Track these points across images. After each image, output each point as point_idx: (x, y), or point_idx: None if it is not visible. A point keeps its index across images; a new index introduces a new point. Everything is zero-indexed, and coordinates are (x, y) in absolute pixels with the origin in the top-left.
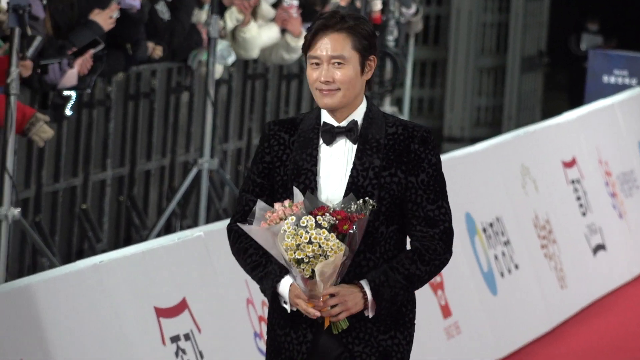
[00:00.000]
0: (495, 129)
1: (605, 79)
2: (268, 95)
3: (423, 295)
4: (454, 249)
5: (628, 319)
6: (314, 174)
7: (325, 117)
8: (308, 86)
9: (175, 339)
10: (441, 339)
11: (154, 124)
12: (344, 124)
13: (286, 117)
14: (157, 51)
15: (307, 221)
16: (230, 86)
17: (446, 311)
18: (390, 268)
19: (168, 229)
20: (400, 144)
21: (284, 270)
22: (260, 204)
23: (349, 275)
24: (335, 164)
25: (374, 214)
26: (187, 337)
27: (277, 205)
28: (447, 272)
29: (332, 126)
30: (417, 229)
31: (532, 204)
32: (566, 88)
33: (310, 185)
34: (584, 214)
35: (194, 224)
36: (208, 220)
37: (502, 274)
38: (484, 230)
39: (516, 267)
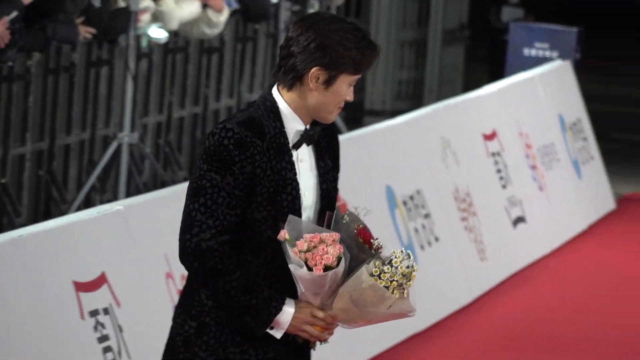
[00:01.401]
0: (416, 102)
1: (526, 51)
2: (189, 69)
3: None
4: (375, 221)
5: (547, 291)
6: (297, 183)
7: (294, 121)
8: (229, 60)
9: (94, 313)
10: None
11: (73, 98)
12: (308, 127)
13: (239, 116)
14: (88, 32)
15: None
16: (151, 60)
17: None
18: None
19: (88, 203)
20: (331, 142)
21: (282, 296)
22: (287, 246)
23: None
24: (305, 169)
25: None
26: (106, 311)
27: (302, 242)
28: None
29: (307, 130)
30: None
31: (452, 176)
32: (487, 61)
33: (296, 196)
34: (504, 187)
35: (114, 198)
36: (128, 195)
37: (422, 247)
38: (405, 203)
39: (436, 239)
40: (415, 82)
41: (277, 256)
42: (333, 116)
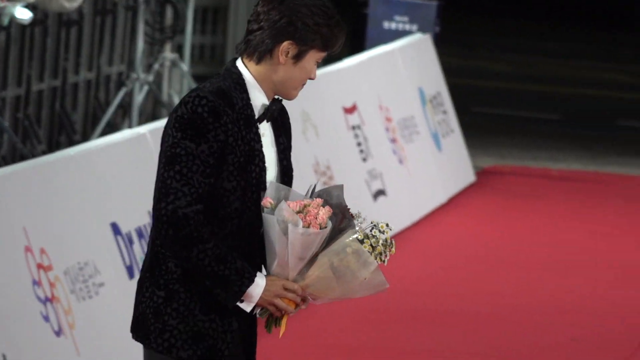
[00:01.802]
0: None
1: (386, 25)
2: (47, 43)
3: None
4: None
5: (408, 264)
6: (263, 154)
7: (259, 94)
8: (88, 33)
9: None
10: None
11: None
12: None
13: (208, 86)
14: None
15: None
16: (9, 33)
17: None
18: None
19: None
20: (284, 119)
21: (253, 271)
22: (283, 205)
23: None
24: (266, 143)
25: None
26: None
27: (293, 205)
28: None
29: (269, 106)
30: None
31: (312, 149)
32: (347, 34)
33: (263, 169)
34: (364, 160)
35: None
36: None
37: None
38: None
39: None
40: None
41: (242, 229)
42: (296, 92)
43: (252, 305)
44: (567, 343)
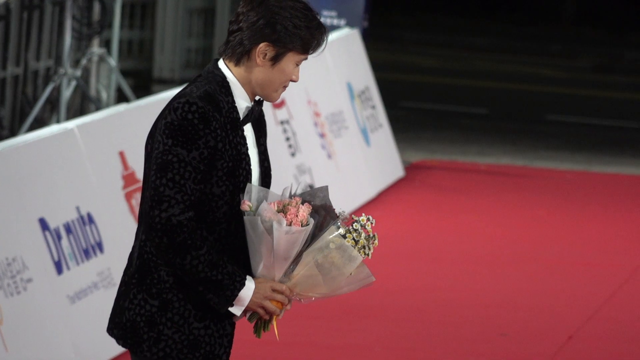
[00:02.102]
0: None
1: None
2: None
3: (131, 236)
4: None
5: None
6: (249, 157)
7: (243, 98)
8: (15, 28)
9: None
10: None
11: None
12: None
13: (195, 90)
14: None
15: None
16: None
17: None
18: None
19: None
20: (261, 119)
21: (244, 274)
22: (265, 205)
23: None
24: (250, 145)
25: None
26: None
27: (273, 205)
28: None
29: (252, 108)
30: None
31: None
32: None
33: (249, 171)
34: (293, 155)
35: None
36: None
37: None
38: None
39: None
40: (204, 50)
41: (231, 233)
42: (277, 95)
43: (243, 308)
44: (497, 338)
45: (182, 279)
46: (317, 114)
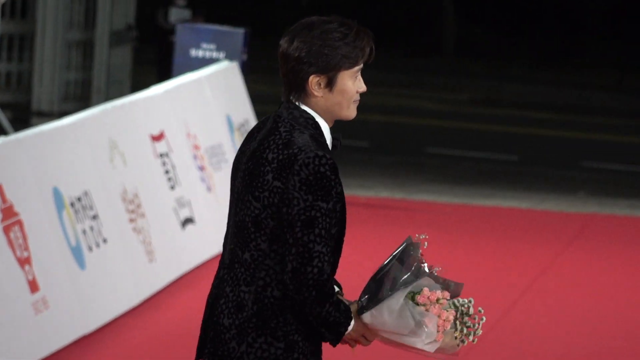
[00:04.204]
0: (84, 103)
1: (193, 52)
2: None
3: (10, 271)
4: (43, 224)
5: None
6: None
7: (327, 130)
8: None
9: None
10: (29, 314)
11: None
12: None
13: (309, 140)
14: None
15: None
16: None
17: (34, 286)
18: None
19: None
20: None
21: (349, 309)
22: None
23: None
24: None
25: None
26: None
27: (435, 308)
28: (35, 247)
29: (336, 137)
30: None
31: (120, 177)
32: (155, 62)
33: (345, 207)
34: (172, 188)
35: None
36: None
37: (90, 248)
38: (72, 204)
39: (104, 241)
40: (83, 83)
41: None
42: (352, 111)
43: (338, 342)
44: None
45: (304, 320)
46: (196, 147)
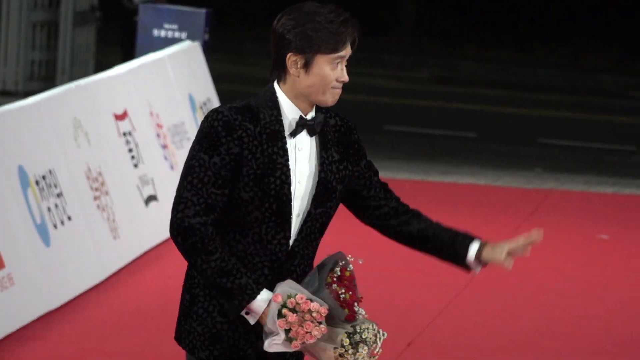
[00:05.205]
0: (49, 83)
1: (155, 32)
2: None
3: None
4: (8, 202)
5: (179, 268)
6: (288, 168)
7: (291, 110)
8: None
9: None
10: None
11: None
12: (309, 117)
13: (236, 103)
14: None
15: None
16: None
17: None
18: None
19: None
20: (343, 136)
21: (259, 285)
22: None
23: (304, 258)
24: (302, 156)
25: (332, 205)
26: None
27: (292, 317)
28: (0, 224)
29: (305, 120)
30: (389, 196)
31: (84, 156)
32: (119, 42)
33: (286, 181)
34: (136, 166)
35: None
36: None
37: (55, 226)
38: (37, 182)
39: (69, 218)
40: (47, 63)
41: (262, 237)
42: (328, 97)
43: (256, 318)
44: None
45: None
46: (159, 126)
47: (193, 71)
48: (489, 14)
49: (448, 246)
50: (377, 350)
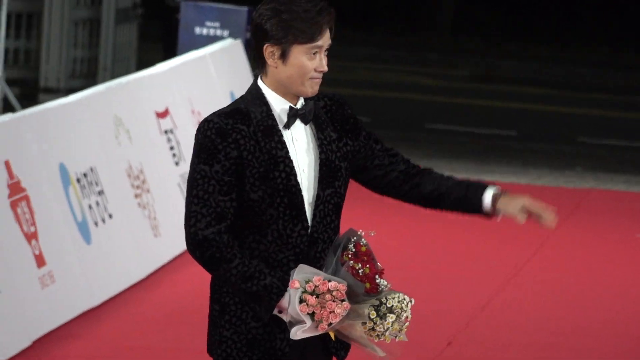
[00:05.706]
0: (91, 80)
1: (197, 30)
2: None
3: (16, 245)
4: (50, 200)
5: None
6: (290, 160)
7: (279, 102)
8: None
9: None
10: (35, 288)
11: None
12: (299, 106)
13: (224, 109)
14: None
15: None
16: None
17: (40, 261)
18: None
19: None
20: (336, 114)
21: (284, 282)
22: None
23: (326, 243)
24: (300, 146)
25: (340, 184)
26: None
27: (312, 300)
28: (41, 222)
29: (297, 110)
30: (394, 160)
31: (125, 154)
32: (160, 40)
33: (291, 173)
34: (177, 164)
35: None
36: None
37: (96, 224)
38: (78, 180)
39: (110, 216)
40: (89, 60)
41: (282, 232)
42: (307, 88)
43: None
44: None
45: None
46: None
47: (234, 69)
48: (528, 11)
49: (462, 200)
50: (405, 315)
